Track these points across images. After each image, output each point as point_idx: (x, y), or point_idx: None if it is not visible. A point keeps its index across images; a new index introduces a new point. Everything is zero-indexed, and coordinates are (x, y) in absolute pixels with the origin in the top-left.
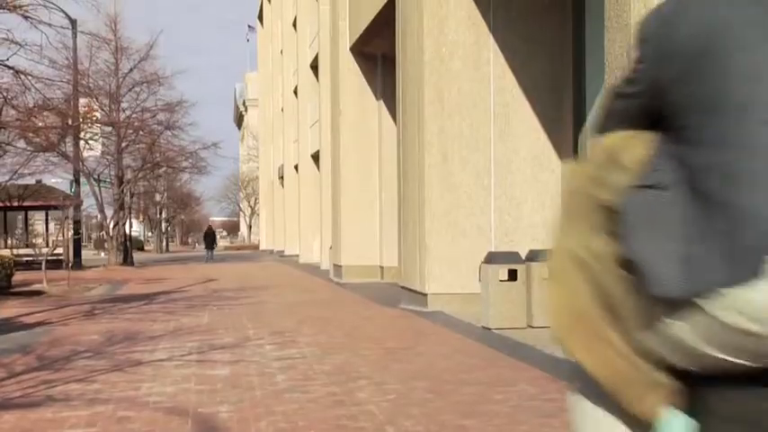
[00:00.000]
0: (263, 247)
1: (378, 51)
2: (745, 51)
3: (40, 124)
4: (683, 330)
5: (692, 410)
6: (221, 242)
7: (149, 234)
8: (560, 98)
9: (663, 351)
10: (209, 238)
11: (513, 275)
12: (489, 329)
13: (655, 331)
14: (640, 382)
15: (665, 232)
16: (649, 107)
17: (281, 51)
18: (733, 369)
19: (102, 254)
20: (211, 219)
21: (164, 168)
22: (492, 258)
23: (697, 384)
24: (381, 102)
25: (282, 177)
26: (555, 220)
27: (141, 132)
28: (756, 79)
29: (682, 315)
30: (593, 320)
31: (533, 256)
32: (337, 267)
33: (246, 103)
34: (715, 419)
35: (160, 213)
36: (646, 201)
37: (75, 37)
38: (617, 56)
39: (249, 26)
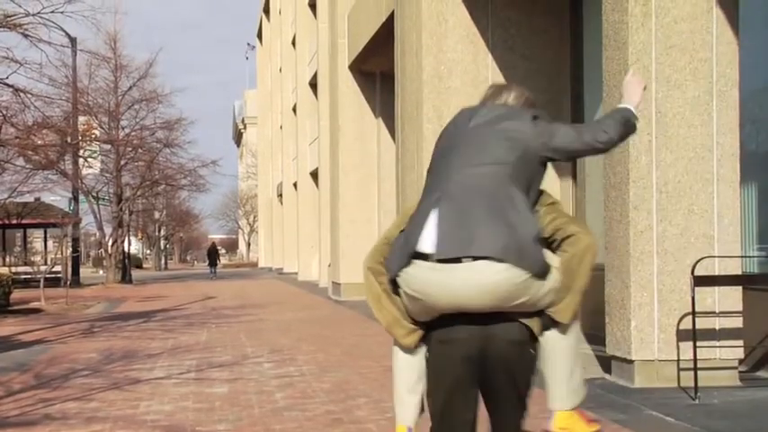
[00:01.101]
0: (261, 264)
1: (376, 69)
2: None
3: (39, 142)
4: (401, 296)
5: (427, 340)
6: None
7: (148, 252)
8: (559, 116)
9: (407, 309)
10: (213, 255)
11: None
12: None
13: (401, 298)
14: (404, 327)
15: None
16: None
17: (280, 69)
18: (433, 315)
19: (101, 271)
20: (210, 236)
21: (162, 186)
22: None
23: (429, 325)
24: (380, 119)
25: (281, 195)
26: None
27: (140, 150)
28: (433, 174)
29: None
30: (382, 297)
31: None
32: (336, 285)
33: (246, 121)
34: (433, 341)
35: (159, 231)
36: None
37: (75, 55)
38: (614, 74)
39: (248, 44)
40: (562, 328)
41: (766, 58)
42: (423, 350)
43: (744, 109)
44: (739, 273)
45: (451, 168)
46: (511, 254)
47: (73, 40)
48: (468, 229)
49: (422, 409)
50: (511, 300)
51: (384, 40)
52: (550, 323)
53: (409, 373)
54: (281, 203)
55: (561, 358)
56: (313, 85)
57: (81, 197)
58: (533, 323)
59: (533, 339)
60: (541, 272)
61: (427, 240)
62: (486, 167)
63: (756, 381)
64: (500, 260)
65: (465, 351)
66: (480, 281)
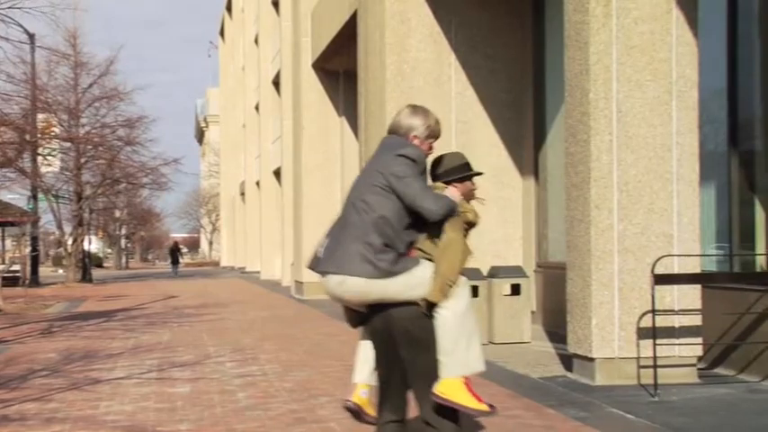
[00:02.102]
0: (224, 263)
1: (340, 68)
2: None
3: None
4: None
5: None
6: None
7: (109, 251)
8: (521, 115)
9: None
10: (174, 254)
11: (474, 292)
12: None
13: None
14: (347, 313)
15: None
16: None
17: (243, 68)
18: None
19: (61, 271)
20: (172, 235)
21: (123, 184)
22: None
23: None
24: (343, 118)
25: (244, 194)
26: None
27: (101, 148)
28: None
29: None
30: None
31: (495, 272)
32: (299, 284)
33: (208, 119)
34: (367, 329)
35: (120, 230)
36: None
37: (34, 52)
38: (576, 73)
39: (211, 42)
40: (444, 306)
41: (724, 59)
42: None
43: (702, 109)
44: (698, 271)
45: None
46: (341, 267)
47: (31, 37)
48: (329, 251)
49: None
50: (366, 297)
51: (347, 38)
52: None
53: (363, 350)
54: (244, 202)
55: (447, 332)
56: (276, 83)
57: (40, 195)
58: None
59: (431, 312)
60: (380, 275)
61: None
62: (358, 202)
63: (715, 378)
64: (335, 273)
65: (377, 328)
66: (335, 288)
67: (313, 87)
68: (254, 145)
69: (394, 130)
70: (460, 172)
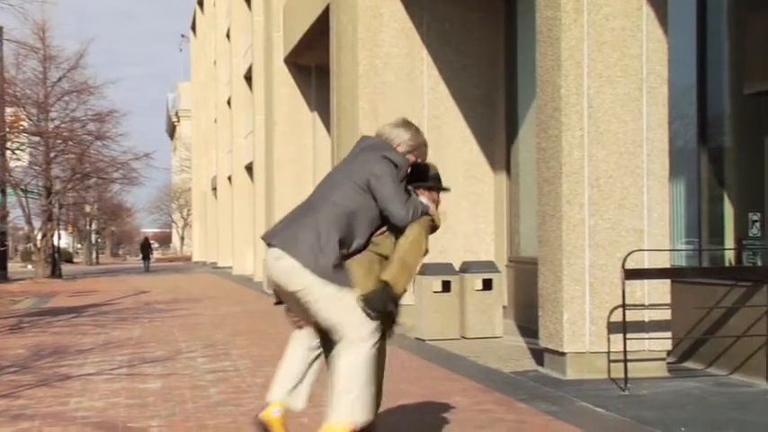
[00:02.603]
0: (195, 258)
1: (312, 63)
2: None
3: None
4: None
5: None
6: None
7: (79, 246)
8: (493, 110)
9: None
10: (146, 249)
11: (446, 287)
12: (423, 341)
13: None
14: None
15: None
16: None
17: (215, 62)
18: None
19: (30, 266)
20: (143, 230)
21: (94, 179)
22: (425, 270)
23: None
24: (316, 113)
25: (216, 189)
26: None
27: (70, 142)
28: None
29: None
30: None
31: (467, 267)
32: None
33: (179, 114)
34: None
35: (90, 225)
36: None
37: (1, 45)
38: (548, 69)
39: (182, 35)
40: (346, 347)
41: (694, 55)
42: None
43: (672, 105)
44: (668, 266)
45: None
46: (285, 245)
47: None
48: (284, 227)
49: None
50: (288, 283)
51: (319, 33)
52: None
53: (287, 364)
54: (216, 197)
55: (360, 371)
56: (248, 78)
57: (9, 190)
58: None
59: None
60: (314, 270)
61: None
62: (330, 192)
63: (684, 371)
64: (277, 247)
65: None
66: (271, 263)
67: (285, 82)
68: (226, 140)
69: (381, 134)
70: (432, 182)
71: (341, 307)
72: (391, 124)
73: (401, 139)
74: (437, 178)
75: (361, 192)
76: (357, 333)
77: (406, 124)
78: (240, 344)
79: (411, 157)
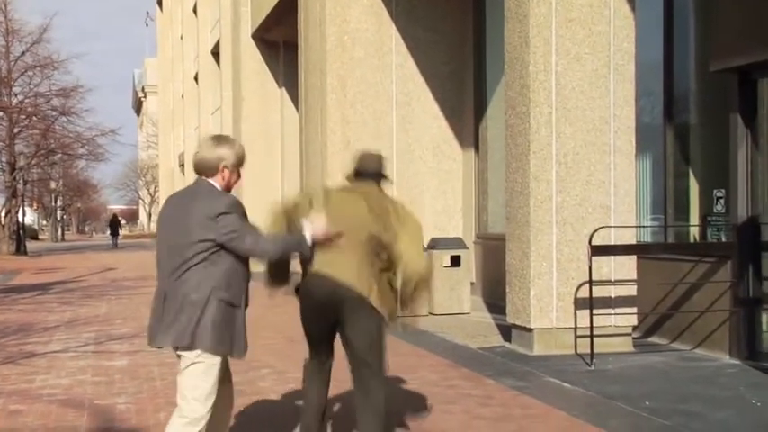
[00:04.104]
0: None
1: (280, 39)
2: None
3: None
4: None
5: None
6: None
7: (44, 223)
8: (461, 87)
9: None
10: (114, 226)
11: None
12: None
13: None
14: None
15: None
16: None
17: (181, 37)
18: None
19: None
20: (110, 207)
21: (59, 155)
22: None
23: None
24: (284, 89)
25: (183, 165)
26: None
27: (35, 118)
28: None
29: None
30: None
31: (435, 244)
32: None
33: (146, 90)
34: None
35: (55, 201)
36: None
37: None
38: (516, 46)
39: (147, 13)
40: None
41: (660, 32)
42: None
43: (639, 82)
44: (634, 242)
45: None
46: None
47: None
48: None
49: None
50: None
51: (287, 8)
52: None
53: None
54: (183, 174)
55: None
56: (215, 53)
57: None
58: None
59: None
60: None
61: None
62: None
63: (649, 346)
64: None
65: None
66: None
67: (253, 58)
68: (194, 116)
69: (202, 166)
70: (376, 177)
71: None
72: (203, 150)
73: (223, 157)
74: (382, 170)
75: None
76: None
77: (217, 140)
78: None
79: (238, 170)
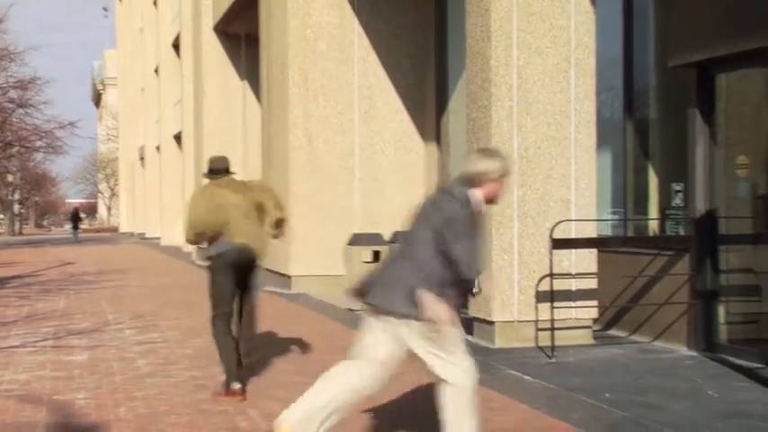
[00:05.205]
0: (123, 229)
1: (242, 32)
2: None
3: None
4: None
5: None
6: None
7: (1, 216)
8: (423, 80)
9: None
10: (75, 220)
11: (376, 257)
12: (353, 311)
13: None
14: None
15: None
16: None
17: (142, 29)
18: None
19: None
20: (68, 200)
21: (16, 148)
22: (356, 240)
23: None
24: (246, 83)
25: (143, 158)
26: None
27: None
28: None
29: None
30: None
31: (397, 237)
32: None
33: (105, 82)
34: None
35: (13, 195)
36: None
37: None
38: (478, 40)
39: (104, 9)
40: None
41: (620, 27)
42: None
43: (600, 77)
44: (594, 236)
45: None
46: None
47: None
48: None
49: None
50: None
51: (249, 1)
52: None
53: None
54: (144, 167)
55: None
56: (176, 46)
57: None
58: None
59: None
60: None
61: None
62: None
63: (609, 339)
64: None
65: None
66: None
67: (214, 51)
68: (154, 109)
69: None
70: (227, 172)
71: None
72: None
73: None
74: (222, 170)
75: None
76: None
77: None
78: (169, 315)
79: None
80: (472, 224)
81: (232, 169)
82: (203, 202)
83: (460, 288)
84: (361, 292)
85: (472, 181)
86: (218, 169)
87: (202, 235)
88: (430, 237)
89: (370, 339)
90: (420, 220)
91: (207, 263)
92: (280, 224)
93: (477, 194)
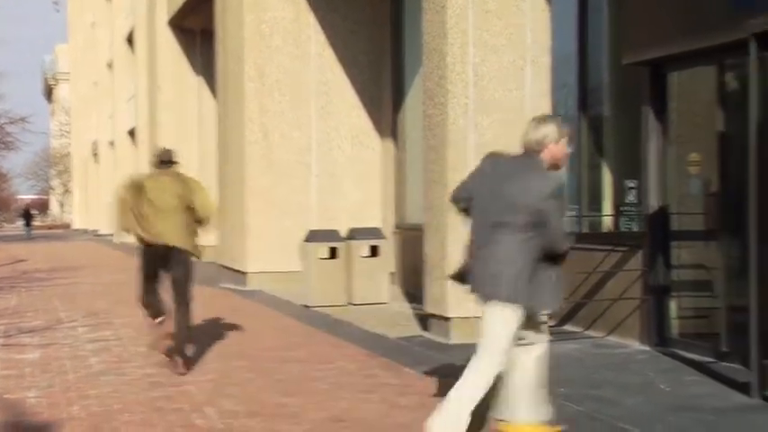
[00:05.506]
0: (76, 226)
1: (197, 26)
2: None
3: None
4: None
5: None
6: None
7: None
8: (380, 77)
9: None
10: (28, 216)
11: (333, 253)
12: (309, 307)
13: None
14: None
15: None
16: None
17: (94, 24)
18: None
19: None
20: (20, 197)
21: None
22: (312, 236)
23: None
24: (201, 78)
25: (97, 154)
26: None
27: None
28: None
29: None
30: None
31: (353, 234)
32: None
33: (57, 77)
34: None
35: None
36: None
37: None
38: (434, 37)
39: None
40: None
41: (575, 25)
42: None
43: (555, 74)
44: None
45: None
46: None
47: None
48: None
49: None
50: None
51: None
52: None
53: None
54: (97, 163)
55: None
56: (130, 40)
57: None
58: None
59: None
60: None
61: None
62: None
63: (563, 334)
64: None
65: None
66: None
67: (169, 46)
68: (108, 104)
69: (529, 146)
70: (172, 164)
71: None
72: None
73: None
74: (165, 162)
75: None
76: None
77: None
78: (122, 312)
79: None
80: (559, 196)
81: (177, 161)
82: (135, 192)
83: (554, 261)
84: (462, 277)
85: (533, 149)
86: (164, 161)
87: (130, 224)
88: (520, 216)
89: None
90: (501, 198)
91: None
92: (200, 224)
93: (543, 162)
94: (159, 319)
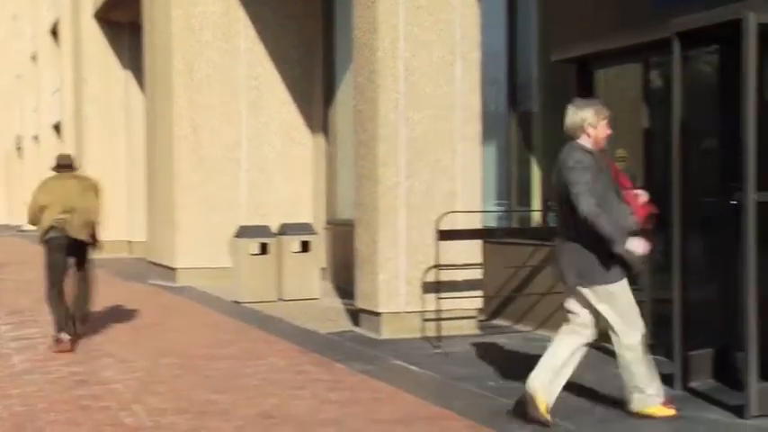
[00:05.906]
0: None
1: (125, 19)
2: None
3: None
4: None
5: None
6: None
7: None
8: (311, 72)
9: None
10: None
11: (263, 249)
12: (240, 303)
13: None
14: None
15: None
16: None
17: (16, 16)
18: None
19: None
20: None
21: None
22: (242, 232)
23: None
24: (129, 72)
25: (20, 148)
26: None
27: None
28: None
29: None
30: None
31: (284, 229)
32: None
33: None
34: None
35: None
36: None
37: None
38: (364, 32)
39: None
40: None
41: (504, 21)
42: None
43: (485, 70)
44: (480, 227)
45: None
46: None
47: None
48: None
49: None
50: None
51: None
52: None
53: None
54: (21, 157)
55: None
56: (54, 33)
57: None
58: None
59: None
60: None
61: None
62: None
63: (493, 328)
64: None
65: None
66: None
67: (95, 38)
68: (32, 97)
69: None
70: (72, 167)
71: None
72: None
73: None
74: (64, 166)
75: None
76: None
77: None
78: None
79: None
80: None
81: (77, 166)
82: (43, 191)
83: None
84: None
85: (573, 134)
86: (63, 165)
87: (37, 219)
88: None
89: (575, 307)
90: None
91: (42, 244)
92: (88, 226)
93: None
94: (65, 337)
